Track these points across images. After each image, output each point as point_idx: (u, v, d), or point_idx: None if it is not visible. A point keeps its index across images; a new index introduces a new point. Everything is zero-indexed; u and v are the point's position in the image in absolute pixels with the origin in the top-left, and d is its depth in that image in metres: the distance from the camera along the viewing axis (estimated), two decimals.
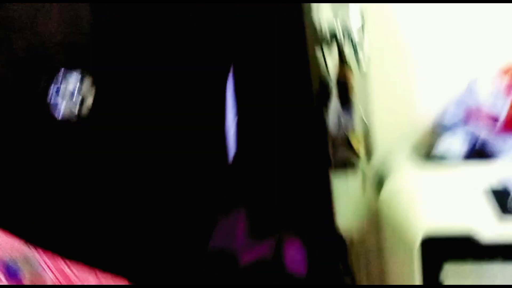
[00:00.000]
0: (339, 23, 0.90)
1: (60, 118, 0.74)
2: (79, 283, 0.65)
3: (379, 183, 0.96)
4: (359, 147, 0.95)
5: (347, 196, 0.92)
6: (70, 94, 0.73)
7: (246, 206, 0.85)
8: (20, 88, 0.72)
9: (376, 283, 0.90)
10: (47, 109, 0.73)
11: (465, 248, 0.79)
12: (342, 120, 0.92)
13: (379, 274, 0.90)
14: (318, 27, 0.89)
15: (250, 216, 0.85)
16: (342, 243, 0.89)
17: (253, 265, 0.89)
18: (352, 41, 0.91)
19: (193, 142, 0.79)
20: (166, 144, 0.77)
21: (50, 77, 0.72)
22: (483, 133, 0.94)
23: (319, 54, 0.90)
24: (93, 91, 0.73)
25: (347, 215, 0.91)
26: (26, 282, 0.62)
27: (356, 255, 0.89)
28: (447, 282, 0.79)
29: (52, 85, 0.72)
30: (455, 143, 0.94)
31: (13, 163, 0.72)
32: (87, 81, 0.71)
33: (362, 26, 0.91)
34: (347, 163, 0.95)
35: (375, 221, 0.91)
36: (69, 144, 0.73)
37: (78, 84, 0.72)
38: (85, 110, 0.74)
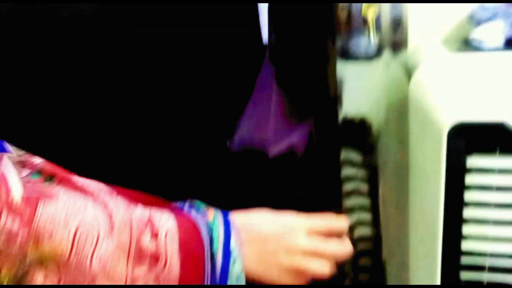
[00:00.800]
0: None
1: None
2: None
3: (410, 71, 0.92)
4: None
5: (372, 83, 0.88)
6: None
7: (282, 87, 0.82)
8: None
9: (400, 171, 0.89)
10: None
11: (495, 137, 0.76)
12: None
13: (403, 162, 0.88)
14: None
15: (287, 97, 0.82)
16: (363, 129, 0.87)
17: (283, 156, 0.87)
18: None
19: (224, 21, 0.75)
20: (195, 20, 0.73)
21: None
22: None
23: None
24: None
25: (373, 102, 0.88)
26: None
27: (380, 143, 0.87)
28: (474, 171, 0.77)
29: None
30: (493, 31, 0.89)
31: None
32: None
33: None
34: (377, 50, 0.91)
35: (402, 108, 0.88)
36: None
37: None
38: None
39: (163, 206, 0.67)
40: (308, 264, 0.67)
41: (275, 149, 0.87)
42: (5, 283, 0.54)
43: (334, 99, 0.78)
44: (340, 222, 0.72)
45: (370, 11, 0.88)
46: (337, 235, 0.71)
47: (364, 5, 0.85)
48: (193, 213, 0.67)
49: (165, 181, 0.75)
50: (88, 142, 0.70)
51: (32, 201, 0.57)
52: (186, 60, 0.73)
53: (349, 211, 0.95)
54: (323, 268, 0.68)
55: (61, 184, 0.61)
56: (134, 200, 0.65)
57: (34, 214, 0.56)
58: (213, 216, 0.67)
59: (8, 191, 0.56)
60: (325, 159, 0.80)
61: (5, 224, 0.54)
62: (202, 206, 0.69)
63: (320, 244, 0.69)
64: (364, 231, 0.94)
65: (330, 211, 0.75)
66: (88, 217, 0.59)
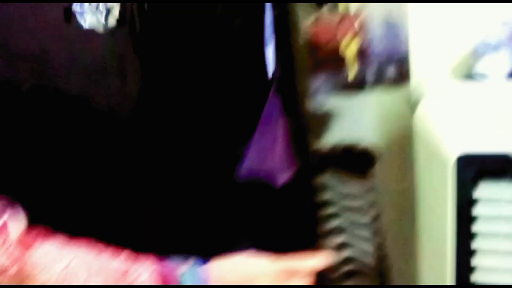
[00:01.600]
0: None
1: (86, 28, 0.72)
2: None
3: (413, 104, 0.93)
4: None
5: (378, 113, 0.89)
6: (95, 6, 0.71)
7: (287, 118, 0.83)
8: None
9: (407, 200, 0.89)
10: (72, 19, 0.71)
11: (502, 167, 0.76)
12: None
13: (410, 191, 0.88)
14: None
15: (291, 128, 0.84)
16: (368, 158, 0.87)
17: (289, 185, 0.87)
18: None
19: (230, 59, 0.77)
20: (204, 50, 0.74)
21: None
22: None
23: None
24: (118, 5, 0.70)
25: (378, 132, 0.88)
26: None
27: (386, 173, 0.87)
28: (481, 201, 0.77)
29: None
30: (498, 61, 0.90)
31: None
32: None
33: None
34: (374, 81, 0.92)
35: (404, 139, 0.88)
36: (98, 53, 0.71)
37: None
38: (112, 21, 0.71)
39: (145, 259, 0.70)
40: None
41: (282, 177, 0.87)
42: None
43: (305, 130, 0.82)
44: (313, 260, 0.75)
45: (351, 46, 0.90)
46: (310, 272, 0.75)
47: (345, 40, 0.88)
48: (170, 264, 0.70)
49: (171, 211, 0.75)
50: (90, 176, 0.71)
51: (23, 245, 0.64)
52: (194, 91, 0.74)
53: (348, 242, 0.95)
54: None
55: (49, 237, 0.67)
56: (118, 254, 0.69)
57: (24, 256, 0.63)
58: (188, 267, 0.71)
59: (6, 235, 0.64)
60: (303, 190, 0.85)
61: None
62: (180, 258, 0.72)
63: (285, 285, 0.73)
64: (366, 262, 0.93)
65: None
66: (72, 263, 0.65)
